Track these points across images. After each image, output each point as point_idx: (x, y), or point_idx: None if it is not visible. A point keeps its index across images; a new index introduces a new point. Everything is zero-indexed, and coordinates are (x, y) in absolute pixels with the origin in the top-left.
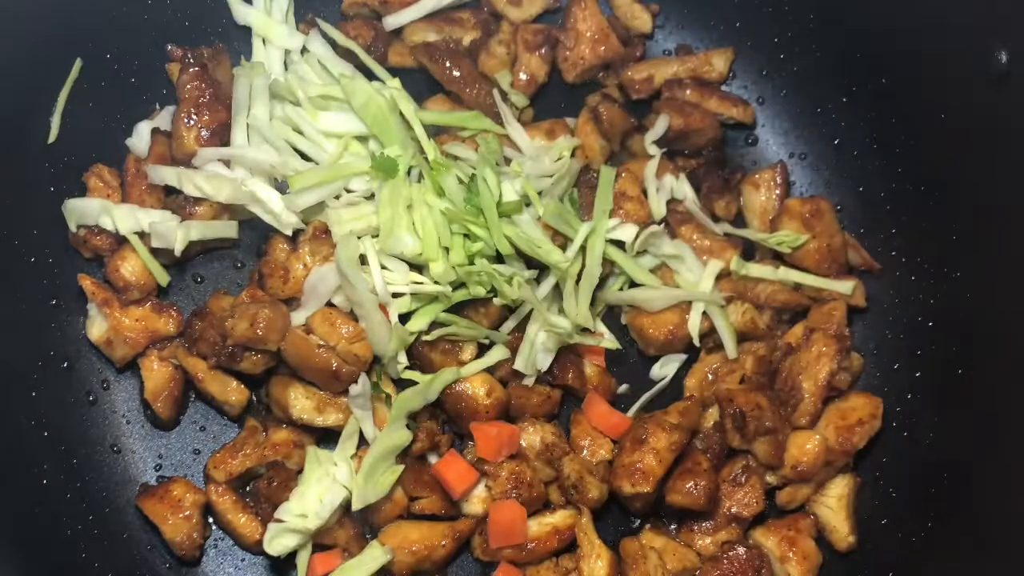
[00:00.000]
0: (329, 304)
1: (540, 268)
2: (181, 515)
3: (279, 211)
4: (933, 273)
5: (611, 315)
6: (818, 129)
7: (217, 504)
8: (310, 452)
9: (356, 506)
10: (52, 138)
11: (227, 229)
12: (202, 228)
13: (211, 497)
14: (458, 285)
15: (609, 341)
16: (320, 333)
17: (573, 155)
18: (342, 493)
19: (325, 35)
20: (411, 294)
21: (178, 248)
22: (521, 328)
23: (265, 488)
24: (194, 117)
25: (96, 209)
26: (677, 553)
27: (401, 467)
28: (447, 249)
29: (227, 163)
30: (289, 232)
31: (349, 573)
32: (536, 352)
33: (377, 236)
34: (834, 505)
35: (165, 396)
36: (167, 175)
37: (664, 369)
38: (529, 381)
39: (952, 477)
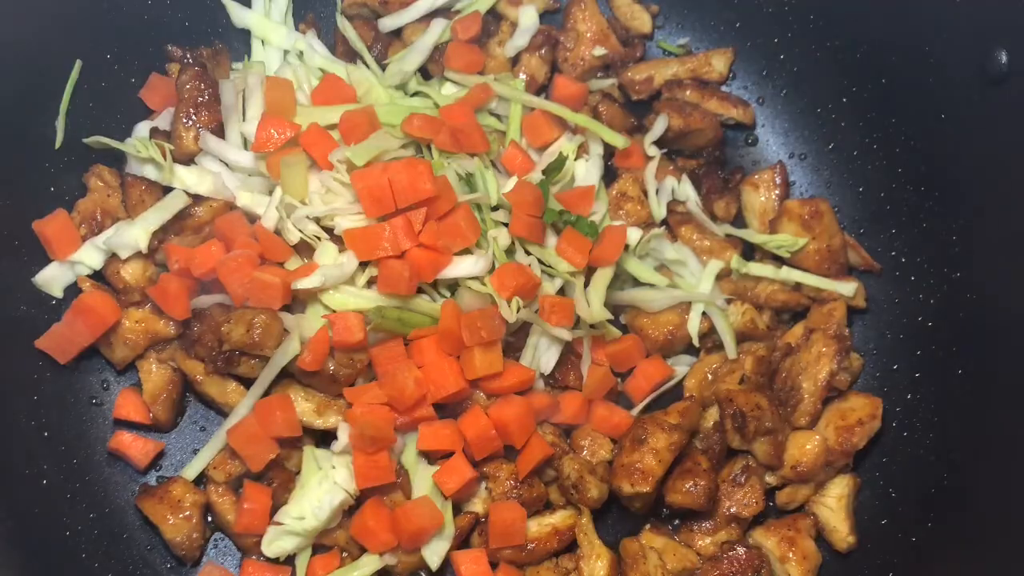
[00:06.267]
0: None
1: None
2: (181, 515)
3: (263, 214)
4: (933, 273)
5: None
6: (818, 129)
7: (217, 504)
8: (308, 453)
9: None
10: (59, 144)
11: (177, 202)
12: (156, 214)
13: (211, 497)
14: None
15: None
16: None
17: (577, 157)
18: (341, 495)
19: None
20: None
21: (143, 244)
22: (522, 331)
23: None
24: (193, 117)
25: (64, 270)
26: (677, 553)
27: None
28: None
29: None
30: None
31: (347, 575)
32: (539, 356)
33: None
34: (834, 505)
35: (163, 399)
36: (146, 169)
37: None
38: None
39: (952, 477)
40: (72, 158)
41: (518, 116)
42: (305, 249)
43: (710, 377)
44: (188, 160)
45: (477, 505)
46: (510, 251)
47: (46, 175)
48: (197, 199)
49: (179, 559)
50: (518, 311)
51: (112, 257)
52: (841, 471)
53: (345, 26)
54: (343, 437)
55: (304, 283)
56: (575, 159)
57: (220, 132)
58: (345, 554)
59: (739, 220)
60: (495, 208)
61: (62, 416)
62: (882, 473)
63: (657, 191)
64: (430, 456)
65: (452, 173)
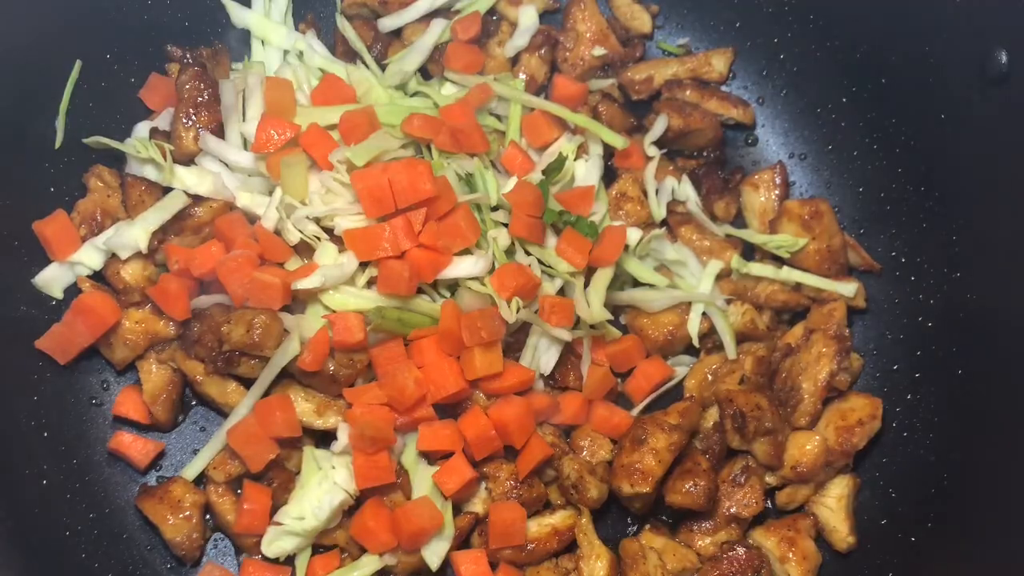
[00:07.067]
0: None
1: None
2: (181, 515)
3: (263, 214)
4: (933, 273)
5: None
6: (818, 129)
7: (217, 504)
8: (308, 453)
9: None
10: (58, 144)
11: (177, 202)
12: (156, 214)
13: (211, 498)
14: None
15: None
16: None
17: (577, 157)
18: (341, 495)
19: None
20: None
21: (143, 244)
22: (522, 331)
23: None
24: (193, 117)
25: (64, 271)
26: (677, 553)
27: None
28: None
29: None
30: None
31: (347, 575)
32: (539, 356)
33: None
34: (833, 505)
35: (163, 399)
36: (146, 169)
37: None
38: None
39: (952, 477)
40: (72, 158)
41: (518, 116)
42: (305, 249)
43: (710, 377)
44: (188, 160)
45: (477, 505)
46: (510, 251)
47: (46, 175)
48: (197, 199)
49: (179, 559)
50: (518, 311)
51: (112, 257)
52: (841, 471)
53: (345, 26)
54: (343, 437)
55: (304, 283)
56: (575, 159)
57: (220, 132)
58: (345, 554)
59: (739, 220)
60: (495, 208)
61: (62, 416)
62: (882, 473)
63: (657, 191)
64: (430, 456)
65: (452, 173)
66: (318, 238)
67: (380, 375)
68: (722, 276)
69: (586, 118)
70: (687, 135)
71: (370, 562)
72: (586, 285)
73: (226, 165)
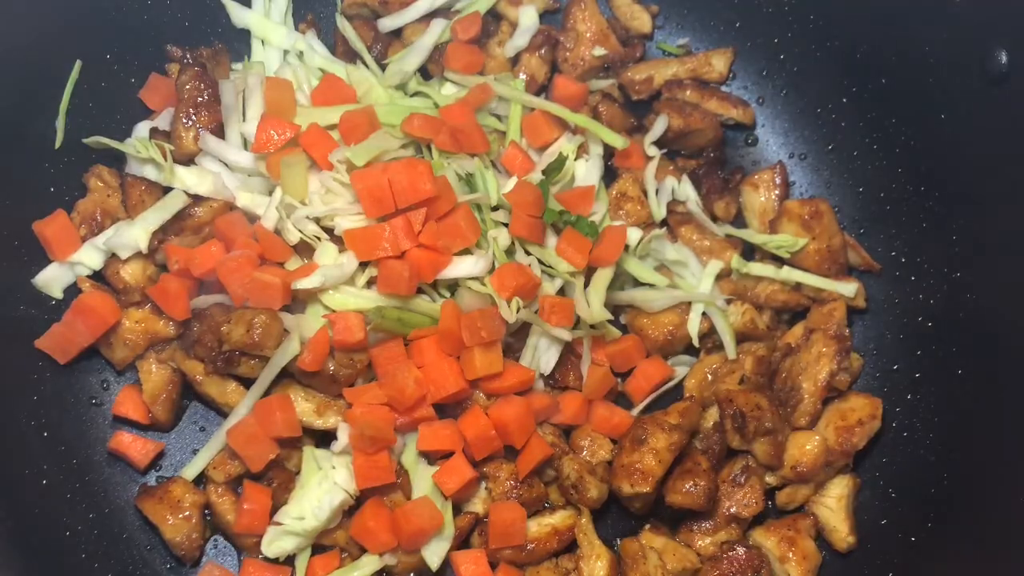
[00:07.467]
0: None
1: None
2: (181, 515)
3: (263, 214)
4: (933, 273)
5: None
6: (818, 129)
7: (217, 504)
8: (308, 453)
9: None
10: (58, 144)
11: (177, 202)
12: (156, 214)
13: (211, 498)
14: None
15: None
16: None
17: (577, 157)
18: (341, 495)
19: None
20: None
21: (143, 244)
22: (522, 331)
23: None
24: (193, 117)
25: (64, 271)
26: (677, 553)
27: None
28: None
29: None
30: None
31: (347, 575)
32: (539, 356)
33: None
34: (833, 505)
35: (163, 399)
36: (146, 169)
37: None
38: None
39: (952, 477)
40: (72, 158)
41: (518, 116)
42: (305, 249)
43: (710, 377)
44: (188, 160)
45: (477, 505)
46: (510, 251)
47: (46, 175)
48: (197, 199)
49: (179, 559)
50: (518, 311)
51: (112, 257)
52: (841, 471)
53: (345, 26)
54: (343, 437)
55: (304, 283)
56: (575, 159)
57: (220, 132)
58: (345, 554)
59: (739, 220)
60: (495, 208)
61: (62, 416)
62: (882, 473)
63: (657, 191)
64: (430, 456)
65: (452, 173)
66: (318, 238)
67: (380, 375)
68: (722, 276)
69: (586, 118)
70: (687, 135)
71: (370, 562)
72: (586, 285)
73: (226, 165)
